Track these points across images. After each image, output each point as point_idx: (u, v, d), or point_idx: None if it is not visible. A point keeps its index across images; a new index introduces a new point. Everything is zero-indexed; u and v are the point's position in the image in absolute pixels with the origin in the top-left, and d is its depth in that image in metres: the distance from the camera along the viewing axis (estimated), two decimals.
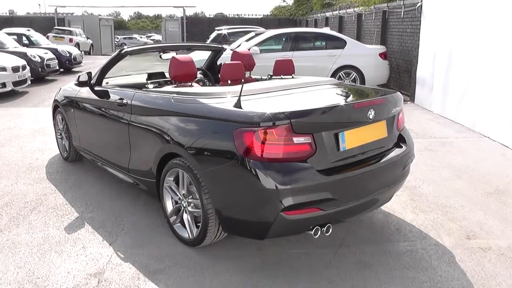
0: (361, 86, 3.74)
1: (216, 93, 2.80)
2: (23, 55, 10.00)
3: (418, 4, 7.85)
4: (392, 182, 2.77)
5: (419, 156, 4.37)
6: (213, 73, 4.50)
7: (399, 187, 3.00)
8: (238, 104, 2.46)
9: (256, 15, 26.98)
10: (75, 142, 4.23)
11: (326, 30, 9.21)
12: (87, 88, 3.77)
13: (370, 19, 11.34)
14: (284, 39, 8.61)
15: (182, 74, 3.35)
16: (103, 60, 4.73)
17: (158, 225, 3.07)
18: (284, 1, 25.40)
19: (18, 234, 2.97)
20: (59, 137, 4.61)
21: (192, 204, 2.70)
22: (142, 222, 3.14)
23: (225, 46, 4.89)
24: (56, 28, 22.10)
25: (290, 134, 2.29)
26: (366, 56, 8.32)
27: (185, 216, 2.79)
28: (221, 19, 25.85)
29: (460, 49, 6.41)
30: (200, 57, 4.96)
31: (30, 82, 9.36)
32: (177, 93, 2.90)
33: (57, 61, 11.68)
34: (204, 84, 4.12)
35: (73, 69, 13.50)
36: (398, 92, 2.98)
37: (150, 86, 3.73)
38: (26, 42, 13.00)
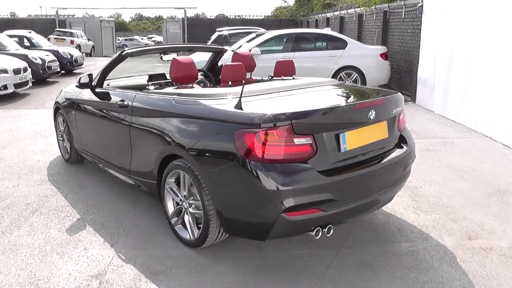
0: (361, 87, 3.74)
1: (216, 95, 2.80)
2: (24, 57, 10.02)
3: (419, 4, 7.85)
4: (393, 183, 2.77)
5: (420, 156, 4.37)
6: (214, 75, 4.51)
7: (400, 188, 2.99)
8: (239, 105, 2.46)
9: (257, 16, 27.03)
10: (76, 144, 4.24)
11: (327, 31, 9.20)
12: (88, 90, 3.77)
13: (371, 20, 11.34)
14: (285, 40, 8.61)
15: (183, 76, 3.36)
16: (104, 62, 4.74)
17: (159, 227, 3.07)
18: (285, 1, 25.43)
19: (19, 236, 2.98)
20: (61, 139, 4.62)
21: (193, 206, 2.71)
22: (143, 224, 3.14)
23: (226, 47, 4.89)
24: (57, 30, 22.15)
25: (291, 135, 2.29)
26: (367, 57, 8.31)
27: (186, 217, 2.79)
28: (222, 20, 25.88)
29: (462, 49, 6.40)
30: (201, 58, 4.97)
31: (31, 84, 9.38)
32: (178, 94, 2.91)
33: (58, 63, 11.70)
34: (205, 86, 4.12)
35: (74, 71, 13.53)
36: (399, 93, 2.98)
37: (151, 87, 3.74)
38: (28, 44, 13.02)
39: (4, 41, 11.13)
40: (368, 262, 2.64)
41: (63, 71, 12.45)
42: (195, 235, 2.71)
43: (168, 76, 4.17)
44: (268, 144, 2.28)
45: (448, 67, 6.80)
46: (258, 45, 8.10)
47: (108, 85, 3.89)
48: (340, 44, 8.40)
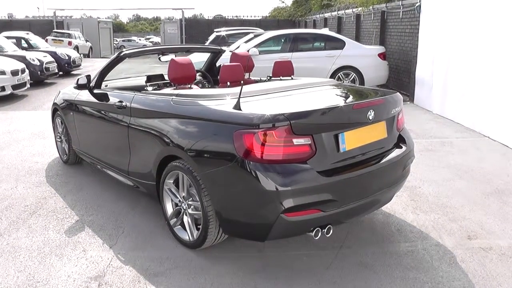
0: (360, 87, 3.74)
1: (215, 95, 2.79)
2: (22, 59, 9.99)
3: (417, 4, 7.86)
4: (392, 183, 2.77)
5: (419, 156, 4.37)
6: (212, 75, 4.50)
7: (400, 188, 2.99)
8: (237, 106, 2.46)
9: (255, 16, 26.99)
10: (74, 145, 4.22)
11: (325, 31, 9.21)
12: (87, 91, 3.76)
13: (368, 20, 11.36)
14: (283, 40, 8.62)
15: (181, 76, 3.35)
16: (102, 63, 4.73)
17: (158, 228, 3.06)
18: (283, 2, 25.41)
19: (18, 238, 2.96)
20: (59, 140, 4.60)
21: (192, 207, 2.70)
22: (142, 225, 3.13)
23: (224, 48, 4.89)
24: (55, 31, 22.11)
25: (290, 135, 2.28)
26: (365, 57, 8.32)
27: (185, 218, 2.78)
28: (220, 21, 25.87)
29: (459, 49, 6.41)
30: (199, 59, 4.96)
31: (29, 86, 9.35)
32: (177, 95, 2.90)
33: (56, 64, 11.67)
34: (203, 86, 4.12)
35: (72, 72, 13.50)
36: (398, 93, 2.98)
37: (149, 88, 3.73)
38: (25, 45, 13.00)
39: (1, 42, 11.09)
40: (368, 262, 2.63)
41: (61, 72, 12.43)
42: (194, 236, 2.70)
43: (166, 77, 4.16)
44: (267, 145, 2.27)
45: (446, 67, 6.81)
46: (256, 46, 8.10)
47: (106, 86, 3.88)
48: (338, 44, 8.41)
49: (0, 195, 3.73)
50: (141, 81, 4.04)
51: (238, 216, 2.46)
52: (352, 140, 2.52)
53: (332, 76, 8.11)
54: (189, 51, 4.80)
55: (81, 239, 2.94)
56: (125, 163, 3.29)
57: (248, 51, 7.44)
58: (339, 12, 14.38)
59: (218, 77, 3.52)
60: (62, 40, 20.47)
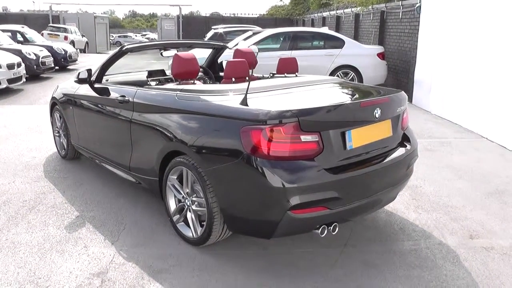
0: (364, 85, 3.74)
1: (219, 91, 2.77)
2: (18, 52, 9.87)
3: (417, 5, 7.87)
4: (396, 182, 2.76)
5: (419, 156, 4.36)
6: (213, 72, 4.47)
7: (403, 187, 2.99)
8: (244, 102, 2.43)
9: (252, 14, 26.96)
10: (73, 140, 4.17)
11: (324, 30, 9.20)
12: (87, 86, 3.71)
13: (368, 20, 11.36)
14: (282, 39, 8.59)
15: (185, 72, 3.31)
16: (98, 58, 4.68)
17: (160, 224, 3.04)
18: (281, 0, 25.40)
19: (17, 233, 2.92)
20: (57, 135, 4.54)
21: (196, 203, 2.67)
22: (144, 221, 3.10)
23: None
24: (51, 26, 21.88)
25: (297, 132, 2.26)
26: (364, 56, 8.32)
27: (188, 214, 2.75)
28: (217, 18, 25.76)
29: (459, 49, 6.43)
30: (200, 55, 4.92)
31: (25, 80, 9.25)
32: (181, 90, 2.87)
33: (52, 58, 11.56)
34: (205, 82, 4.09)
35: (68, 67, 13.38)
36: (403, 92, 2.97)
37: (152, 83, 3.69)
38: (21, 39, 12.85)
39: None
40: (372, 260, 2.63)
41: (57, 67, 12.32)
42: (198, 233, 2.67)
43: (167, 72, 4.13)
44: (274, 141, 2.25)
45: (445, 67, 6.83)
46: (255, 43, 8.06)
47: (107, 80, 3.84)
48: (338, 43, 8.41)
49: None
50: (142, 76, 4.00)
51: (244, 212, 2.44)
52: (359, 137, 2.51)
53: (331, 75, 8.09)
54: (191, 46, 4.76)
55: (82, 235, 2.91)
56: (127, 158, 3.25)
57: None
58: (337, 11, 14.38)
59: (220, 73, 3.49)
60: (58, 35, 20.28)
